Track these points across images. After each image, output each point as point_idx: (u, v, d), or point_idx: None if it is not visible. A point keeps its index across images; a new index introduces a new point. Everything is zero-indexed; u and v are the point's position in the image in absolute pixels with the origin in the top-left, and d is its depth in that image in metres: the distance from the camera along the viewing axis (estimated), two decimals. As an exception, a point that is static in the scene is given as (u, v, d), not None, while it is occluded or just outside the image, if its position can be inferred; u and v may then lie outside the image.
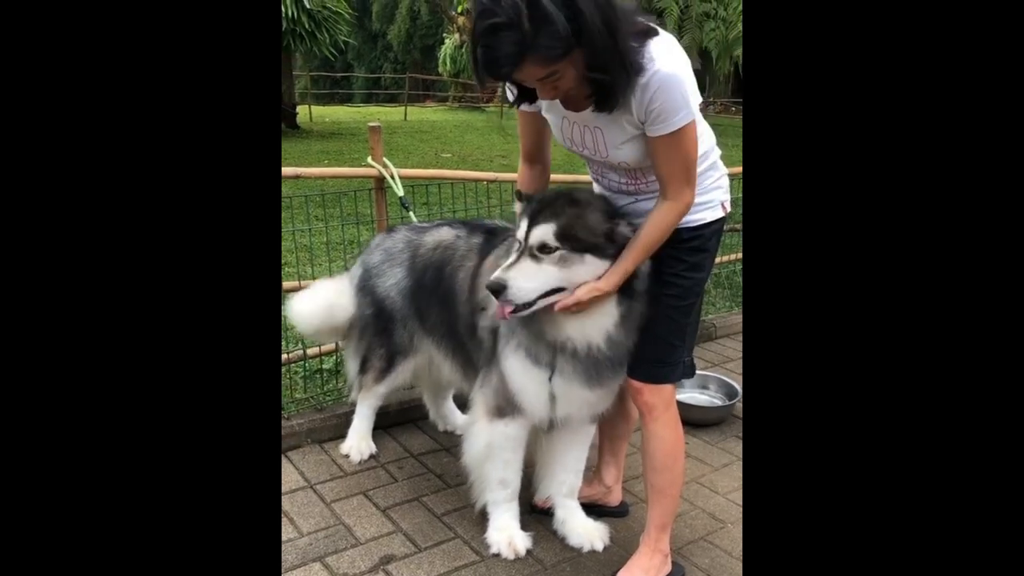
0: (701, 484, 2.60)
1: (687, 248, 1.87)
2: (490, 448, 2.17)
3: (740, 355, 4.00)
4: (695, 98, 1.67)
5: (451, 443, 2.83)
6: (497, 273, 1.82)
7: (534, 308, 1.83)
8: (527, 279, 1.79)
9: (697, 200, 1.83)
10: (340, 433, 2.81)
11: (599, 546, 2.24)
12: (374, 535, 2.27)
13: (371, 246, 2.69)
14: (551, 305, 1.84)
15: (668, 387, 1.98)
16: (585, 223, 1.81)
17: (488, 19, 1.49)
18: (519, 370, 2.04)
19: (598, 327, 1.89)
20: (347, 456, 2.71)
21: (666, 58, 1.62)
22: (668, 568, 2.07)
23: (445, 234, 2.45)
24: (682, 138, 1.68)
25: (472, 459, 2.23)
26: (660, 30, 1.69)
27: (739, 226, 4.90)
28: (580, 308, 1.84)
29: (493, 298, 1.84)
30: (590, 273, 1.81)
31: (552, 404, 2.05)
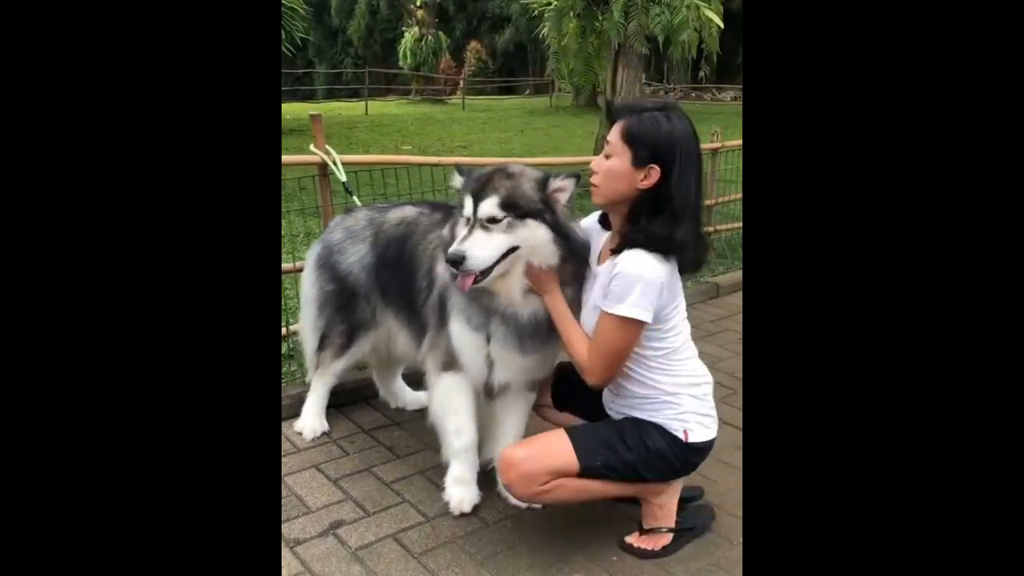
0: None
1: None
2: (444, 398, 2.34)
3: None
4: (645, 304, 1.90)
5: (402, 418, 2.94)
6: (454, 246, 2.00)
7: (492, 276, 2.03)
8: (481, 249, 1.99)
9: (656, 415, 2.06)
10: (293, 412, 2.90)
11: (538, 503, 2.36)
12: (324, 503, 2.37)
13: (331, 225, 2.84)
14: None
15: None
16: (523, 193, 2.04)
17: None
18: (458, 333, 2.24)
19: (528, 301, 2.11)
20: (300, 434, 2.80)
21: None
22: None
23: (408, 211, 2.63)
24: (605, 322, 1.94)
25: (434, 414, 2.39)
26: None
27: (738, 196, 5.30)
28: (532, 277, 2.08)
29: (452, 270, 2.03)
30: (533, 234, 2.03)
31: (490, 368, 2.22)
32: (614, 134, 1.98)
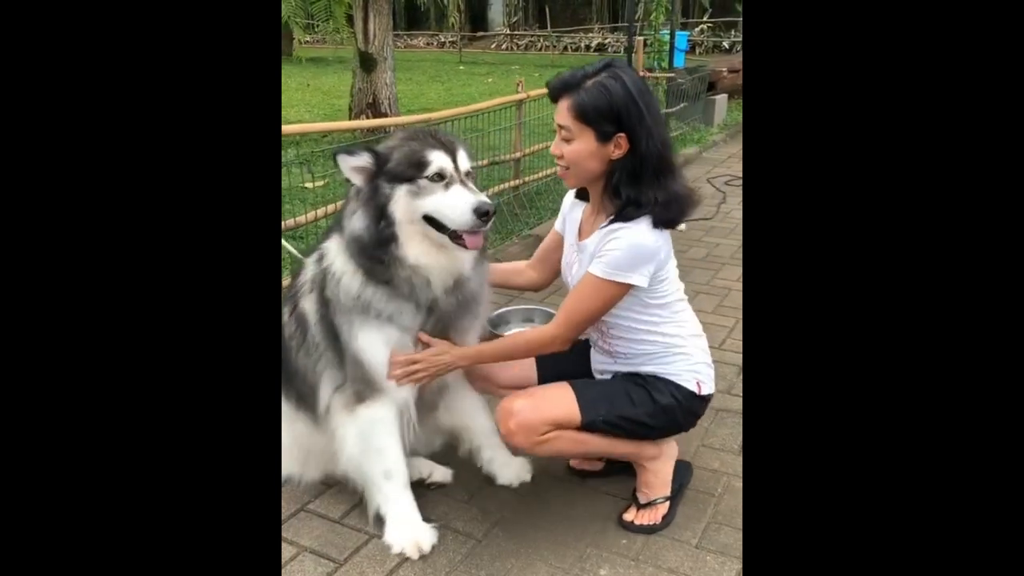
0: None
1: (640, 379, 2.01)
2: (361, 439, 1.97)
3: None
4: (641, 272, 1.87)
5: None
6: (478, 197, 1.83)
7: None
8: None
9: (667, 368, 1.99)
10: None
11: (527, 477, 2.25)
12: (284, 561, 1.94)
13: None
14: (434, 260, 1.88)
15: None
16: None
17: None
18: (382, 344, 1.92)
19: (460, 262, 1.93)
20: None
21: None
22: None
23: None
24: (595, 286, 1.87)
25: (350, 462, 2.01)
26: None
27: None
28: (423, 373, 1.95)
29: (472, 227, 1.81)
30: None
31: None
32: (564, 116, 1.87)
